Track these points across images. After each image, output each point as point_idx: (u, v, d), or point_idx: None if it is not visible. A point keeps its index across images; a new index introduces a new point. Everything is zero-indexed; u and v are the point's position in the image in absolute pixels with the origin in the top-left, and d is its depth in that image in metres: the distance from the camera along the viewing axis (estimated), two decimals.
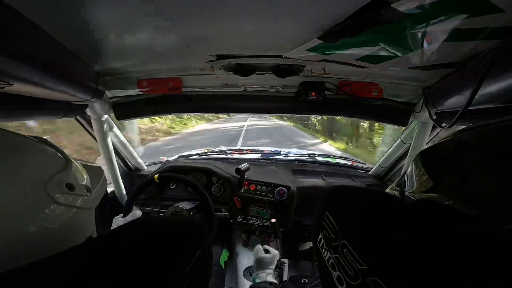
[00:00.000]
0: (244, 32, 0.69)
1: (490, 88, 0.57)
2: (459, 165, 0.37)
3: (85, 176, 0.57)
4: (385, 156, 1.55)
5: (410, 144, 1.26)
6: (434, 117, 0.93)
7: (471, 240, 0.26)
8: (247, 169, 1.52)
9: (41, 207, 0.44)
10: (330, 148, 8.53)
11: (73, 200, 0.50)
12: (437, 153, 0.43)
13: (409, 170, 0.47)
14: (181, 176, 1.13)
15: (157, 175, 1.06)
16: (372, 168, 1.72)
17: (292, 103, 1.16)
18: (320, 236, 0.40)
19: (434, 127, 1.13)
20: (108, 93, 1.14)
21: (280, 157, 1.92)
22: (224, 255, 1.44)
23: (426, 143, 1.16)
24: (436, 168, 0.41)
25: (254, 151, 2.02)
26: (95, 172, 0.68)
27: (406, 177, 0.49)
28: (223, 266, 1.35)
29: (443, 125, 0.91)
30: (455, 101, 0.77)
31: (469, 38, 0.59)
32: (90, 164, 0.71)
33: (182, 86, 1.10)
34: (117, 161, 1.45)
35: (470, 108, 0.61)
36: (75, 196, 0.51)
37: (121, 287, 0.31)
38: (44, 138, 0.55)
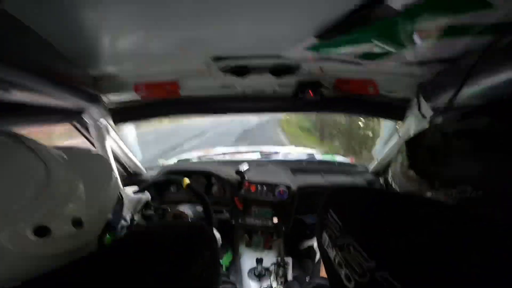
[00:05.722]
0: (240, 32, 0.69)
1: (479, 84, 0.58)
2: (443, 154, 0.38)
3: (76, 194, 0.36)
4: (383, 152, 1.55)
5: None
6: (429, 112, 0.94)
7: (468, 232, 0.27)
8: (247, 170, 1.52)
9: None
10: None
11: (45, 246, 0.33)
12: (423, 144, 0.44)
13: (398, 161, 0.48)
14: (201, 193, 1.09)
15: (188, 183, 1.03)
16: (371, 165, 1.72)
17: (289, 102, 1.17)
18: (325, 235, 0.40)
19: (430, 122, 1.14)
20: (105, 98, 1.13)
21: (279, 157, 1.92)
22: (227, 257, 1.43)
23: None
24: (422, 157, 0.42)
25: (253, 152, 2.02)
26: (95, 170, 0.45)
27: (391, 169, 0.50)
28: (224, 268, 1.34)
29: (436, 120, 0.92)
30: (448, 97, 0.78)
31: (462, 35, 0.60)
32: (82, 151, 0.45)
33: (179, 89, 1.10)
34: (116, 166, 1.44)
35: (461, 104, 0.62)
36: (50, 242, 0.33)
37: None
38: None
